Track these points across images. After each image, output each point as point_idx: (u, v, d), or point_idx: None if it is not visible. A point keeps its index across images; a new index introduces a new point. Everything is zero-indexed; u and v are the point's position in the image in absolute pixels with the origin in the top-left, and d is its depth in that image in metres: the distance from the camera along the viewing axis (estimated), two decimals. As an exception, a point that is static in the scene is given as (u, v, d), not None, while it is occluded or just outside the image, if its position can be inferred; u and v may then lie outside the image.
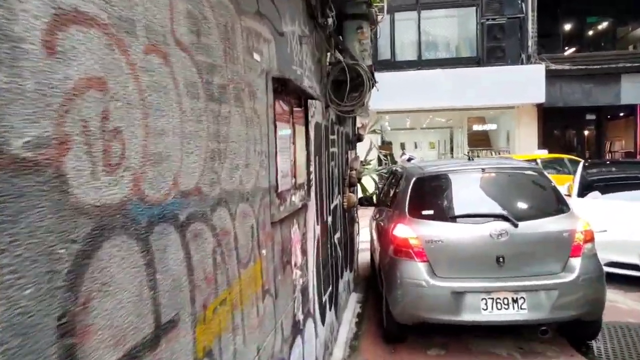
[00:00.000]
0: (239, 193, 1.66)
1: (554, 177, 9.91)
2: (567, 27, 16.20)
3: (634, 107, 14.74)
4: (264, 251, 1.95)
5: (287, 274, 2.36)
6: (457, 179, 4.37)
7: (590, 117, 15.38)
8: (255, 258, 1.83)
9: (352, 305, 5.21)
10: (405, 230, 3.97)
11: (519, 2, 14.02)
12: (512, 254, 3.70)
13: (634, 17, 15.96)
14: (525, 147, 14.28)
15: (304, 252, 2.82)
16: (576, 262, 3.73)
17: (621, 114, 15.96)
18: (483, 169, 4.37)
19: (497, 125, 16.98)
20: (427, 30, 14.95)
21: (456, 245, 3.79)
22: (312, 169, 3.15)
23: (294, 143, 2.56)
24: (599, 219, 5.54)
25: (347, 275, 5.26)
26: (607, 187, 6.82)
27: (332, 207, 4.16)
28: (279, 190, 2.20)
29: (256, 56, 1.91)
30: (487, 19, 14.12)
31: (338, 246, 4.51)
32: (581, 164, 7.54)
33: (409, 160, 14.15)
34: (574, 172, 7.74)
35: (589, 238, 3.86)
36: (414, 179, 4.36)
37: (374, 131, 6.17)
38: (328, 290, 3.78)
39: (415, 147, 18.75)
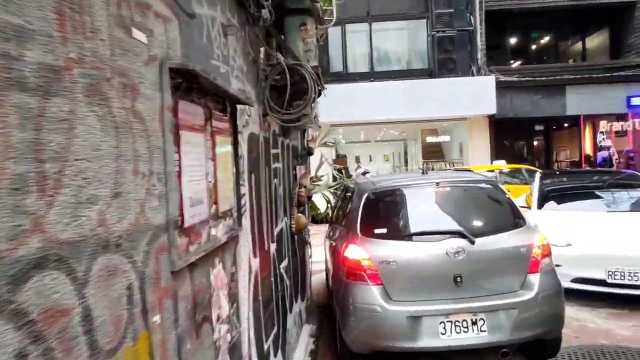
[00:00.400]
0: (98, 240, 1.06)
1: (515, 188, 9.84)
2: (513, 40, 16.57)
3: (577, 117, 15.17)
4: (156, 318, 1.33)
5: (203, 335, 1.75)
6: (411, 194, 4.12)
7: (538, 127, 15.68)
8: (137, 333, 1.22)
9: (304, 340, 4.60)
10: (357, 251, 3.65)
11: (468, 15, 14.15)
12: (469, 273, 3.49)
13: (572, 32, 16.61)
14: (478, 158, 14.31)
15: (234, 297, 2.21)
16: (535, 279, 3.55)
17: (566, 125, 16.40)
18: (437, 183, 4.16)
19: (450, 137, 17.06)
20: (379, 42, 14.81)
21: (411, 265, 3.55)
22: (245, 190, 2.57)
23: (213, 159, 1.97)
24: (562, 232, 5.28)
25: (299, 306, 4.66)
26: (562, 197, 6.63)
27: (276, 232, 3.57)
28: (187, 225, 1.60)
29: (139, 35, 1.31)
30: (438, 31, 14.15)
31: (285, 276, 3.92)
32: (538, 174, 7.35)
33: (364, 173, 13.82)
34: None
35: (547, 252, 3.71)
36: (365, 195, 4.08)
37: (325, 144, 5.65)
38: (272, 333, 3.17)
39: (370, 160, 18.55)
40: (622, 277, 4.63)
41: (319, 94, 3.89)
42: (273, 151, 3.58)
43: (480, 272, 3.53)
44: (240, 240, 2.38)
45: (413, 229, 3.79)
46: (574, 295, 5.10)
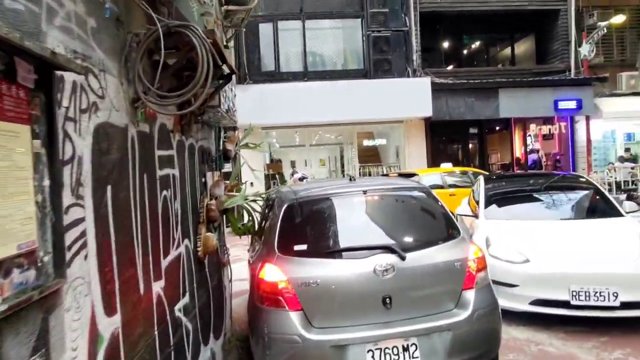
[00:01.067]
0: None
1: (466, 191, 9.38)
2: (446, 44, 16.55)
3: (508, 121, 15.33)
4: None
5: None
6: (336, 205, 3.62)
7: (473, 130, 15.69)
8: None
9: (217, 392, 3.64)
10: (274, 272, 3.16)
11: (403, 15, 13.81)
12: (400, 293, 3.13)
13: (501, 38, 16.98)
14: (414, 161, 13.98)
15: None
16: (470, 296, 3.23)
17: (497, 128, 16.58)
18: (365, 191, 3.66)
19: (387, 140, 16.70)
20: (313, 41, 14.08)
21: (335, 286, 3.12)
22: (85, 213, 1.59)
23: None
24: (517, 246, 4.65)
25: (210, 348, 3.69)
26: (510, 203, 6.14)
27: (166, 263, 2.60)
28: None
29: None
30: (373, 31, 13.68)
31: (186, 319, 2.95)
32: (482, 178, 6.83)
33: (302, 179, 12.94)
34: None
35: (482, 266, 3.36)
36: (284, 206, 3.52)
37: (246, 145, 4.74)
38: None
39: (306, 164, 17.80)
40: (587, 298, 4.06)
41: (227, 78, 2.97)
42: (161, 153, 2.61)
43: (412, 291, 3.17)
44: (64, 301, 1.41)
45: (337, 245, 3.39)
46: (528, 317, 4.53)
